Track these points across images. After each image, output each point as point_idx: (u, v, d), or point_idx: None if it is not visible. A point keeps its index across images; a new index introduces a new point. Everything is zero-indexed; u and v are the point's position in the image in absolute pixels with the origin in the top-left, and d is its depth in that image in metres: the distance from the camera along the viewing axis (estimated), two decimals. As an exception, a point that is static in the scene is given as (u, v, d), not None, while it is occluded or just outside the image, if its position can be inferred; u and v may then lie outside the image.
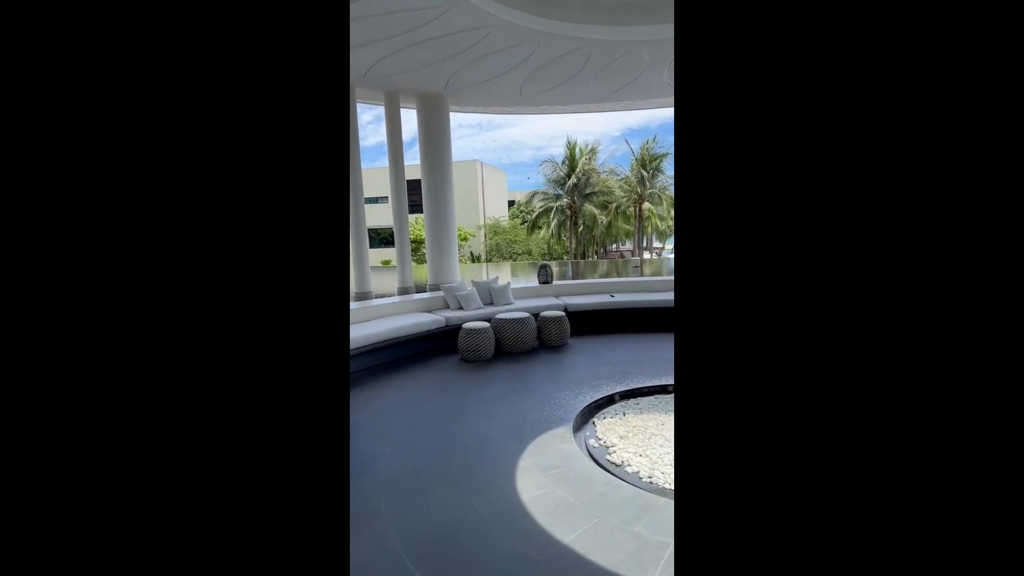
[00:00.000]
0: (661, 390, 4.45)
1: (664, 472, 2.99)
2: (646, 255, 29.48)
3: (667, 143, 32.00)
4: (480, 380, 4.97)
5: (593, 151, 28.98)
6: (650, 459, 3.16)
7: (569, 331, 6.18)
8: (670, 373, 4.73)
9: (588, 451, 3.36)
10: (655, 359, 5.29)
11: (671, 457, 3.15)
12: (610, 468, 3.08)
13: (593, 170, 29.02)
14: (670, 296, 6.91)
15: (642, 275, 10.08)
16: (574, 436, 3.54)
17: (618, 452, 3.28)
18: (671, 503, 2.58)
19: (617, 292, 7.38)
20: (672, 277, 7.74)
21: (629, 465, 3.10)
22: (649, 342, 6.07)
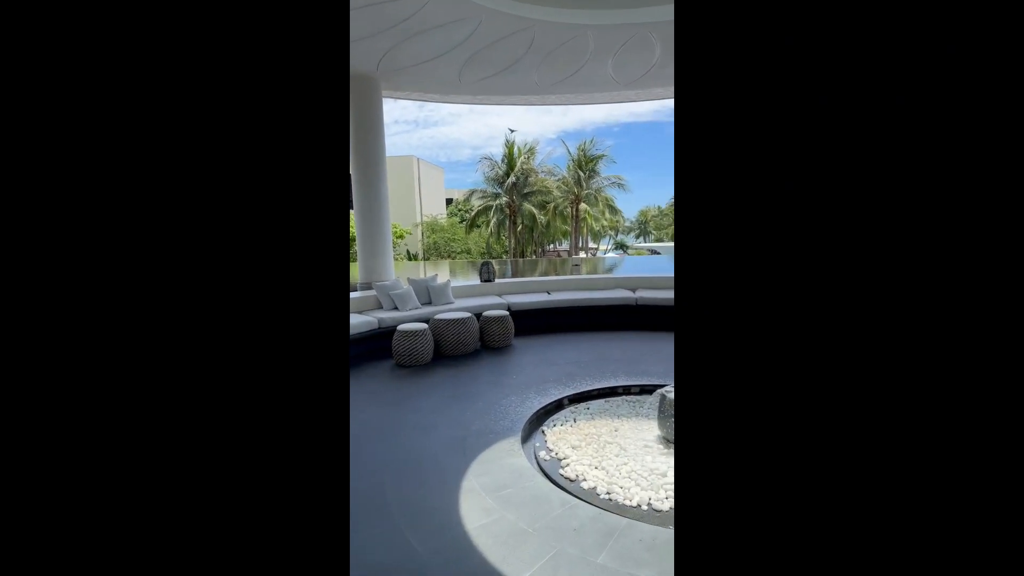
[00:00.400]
0: (611, 392, 4.22)
1: (623, 487, 2.71)
2: (582, 255, 29.97)
3: (603, 145, 32.70)
4: (417, 387, 4.52)
5: (531, 150, 29.08)
6: (607, 472, 2.87)
7: (513, 331, 5.85)
8: (618, 374, 4.53)
9: (539, 465, 3.03)
10: (601, 359, 5.09)
11: (628, 468, 2.89)
12: (564, 485, 2.76)
13: (531, 169, 29.12)
14: (611, 294, 6.80)
15: (583, 273, 9.98)
16: (523, 448, 3.20)
17: (572, 465, 2.97)
18: (634, 524, 2.31)
19: (561, 290, 7.16)
20: (612, 275, 7.69)
21: (585, 480, 2.81)
22: (594, 341, 5.88)
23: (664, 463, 2.93)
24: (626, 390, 4.26)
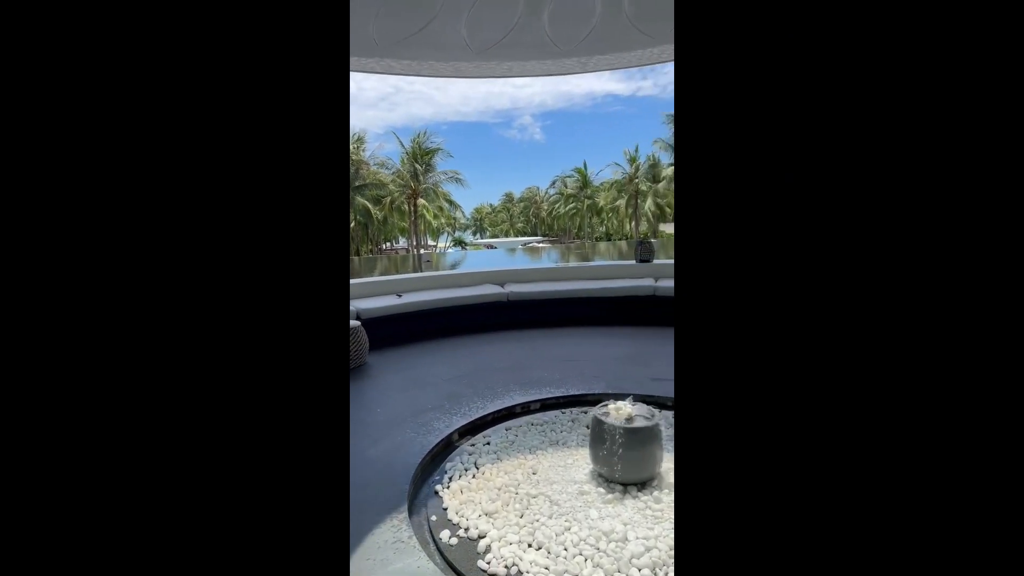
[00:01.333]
0: (508, 414, 3.35)
1: (578, 575, 1.83)
2: (423, 251, 28.84)
3: (436, 140, 31.86)
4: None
5: (360, 140, 26.87)
6: (548, 552, 1.97)
7: (368, 346, 4.59)
8: (510, 388, 3.68)
9: (446, 560, 1.99)
10: (482, 370, 4.19)
11: (574, 536, 2.03)
12: (496, 592, 1.78)
13: (362, 161, 26.94)
14: (478, 291, 5.95)
15: (434, 269, 8.98)
16: (412, 526, 2.12)
17: (494, 547, 1.99)
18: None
19: (419, 290, 6.06)
20: (478, 270, 6.91)
21: (521, 572, 1.86)
22: (467, 348, 4.96)
23: (614, 516, 2.14)
24: (525, 408, 3.43)
